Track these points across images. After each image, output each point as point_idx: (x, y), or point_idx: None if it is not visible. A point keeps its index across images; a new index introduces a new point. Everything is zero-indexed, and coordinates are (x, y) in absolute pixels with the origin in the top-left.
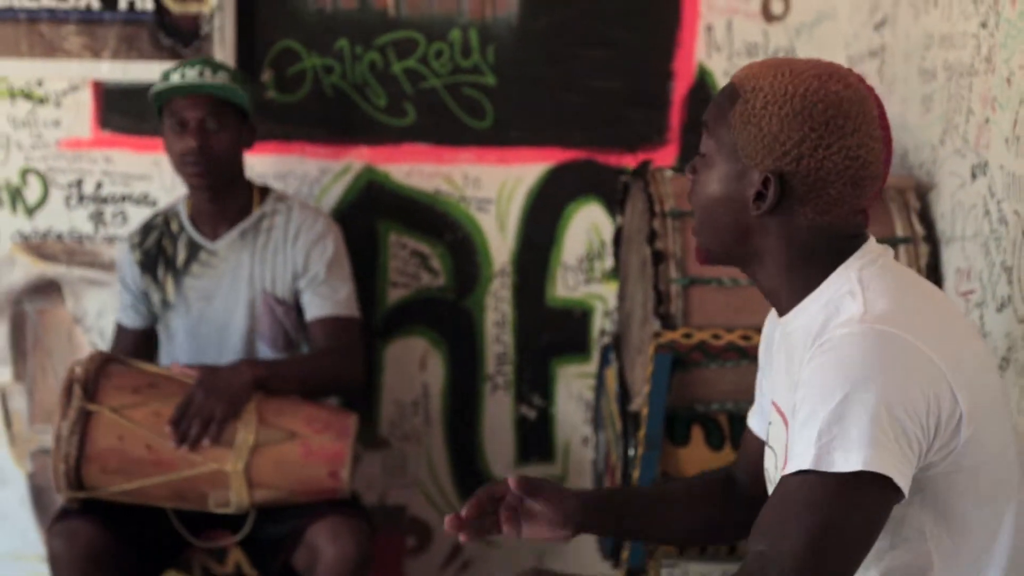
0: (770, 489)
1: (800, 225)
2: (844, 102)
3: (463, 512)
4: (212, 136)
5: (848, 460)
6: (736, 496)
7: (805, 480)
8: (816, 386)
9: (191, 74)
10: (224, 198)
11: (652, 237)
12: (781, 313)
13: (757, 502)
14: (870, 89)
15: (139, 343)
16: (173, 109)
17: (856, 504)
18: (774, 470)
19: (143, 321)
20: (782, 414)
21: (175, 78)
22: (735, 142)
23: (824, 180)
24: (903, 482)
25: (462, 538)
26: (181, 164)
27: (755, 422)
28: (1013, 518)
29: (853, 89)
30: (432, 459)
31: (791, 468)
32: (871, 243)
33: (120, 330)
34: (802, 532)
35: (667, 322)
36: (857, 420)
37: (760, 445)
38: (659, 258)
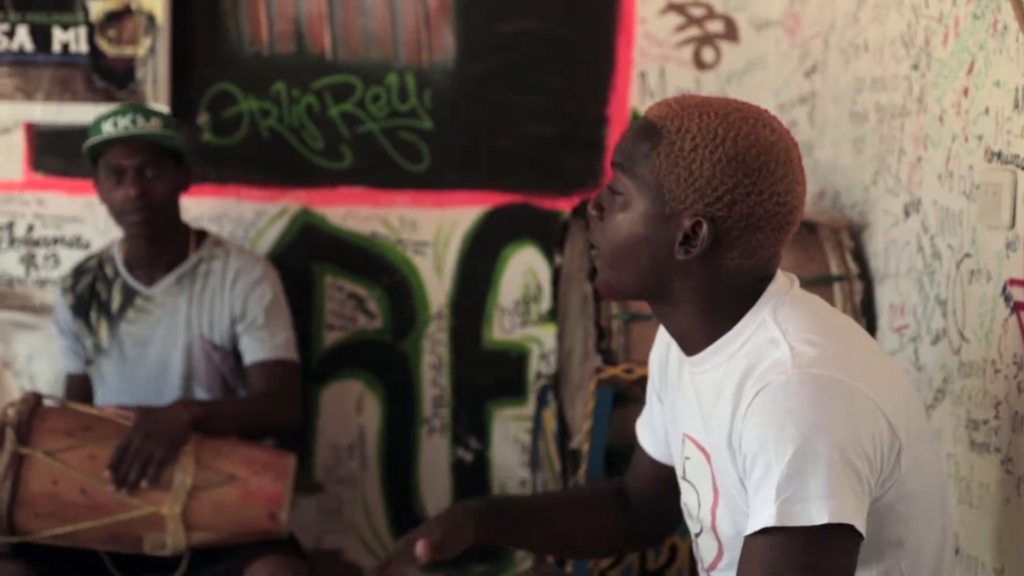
0: (688, 522)
1: (724, 269)
2: (773, 148)
3: None
4: (150, 183)
5: (810, 513)
6: (627, 509)
7: (769, 539)
8: (767, 442)
9: (124, 122)
10: (161, 243)
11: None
12: (689, 352)
13: (649, 518)
14: (790, 135)
15: (87, 387)
16: (108, 159)
17: (825, 556)
18: (696, 507)
19: (84, 365)
20: (704, 451)
21: (108, 128)
22: (660, 184)
23: (754, 226)
24: (862, 527)
25: None
26: (120, 213)
27: (646, 439)
28: (953, 538)
29: (779, 135)
30: (368, 503)
31: (753, 528)
32: (777, 279)
33: (70, 379)
34: None
35: (608, 357)
36: (813, 472)
37: (651, 462)
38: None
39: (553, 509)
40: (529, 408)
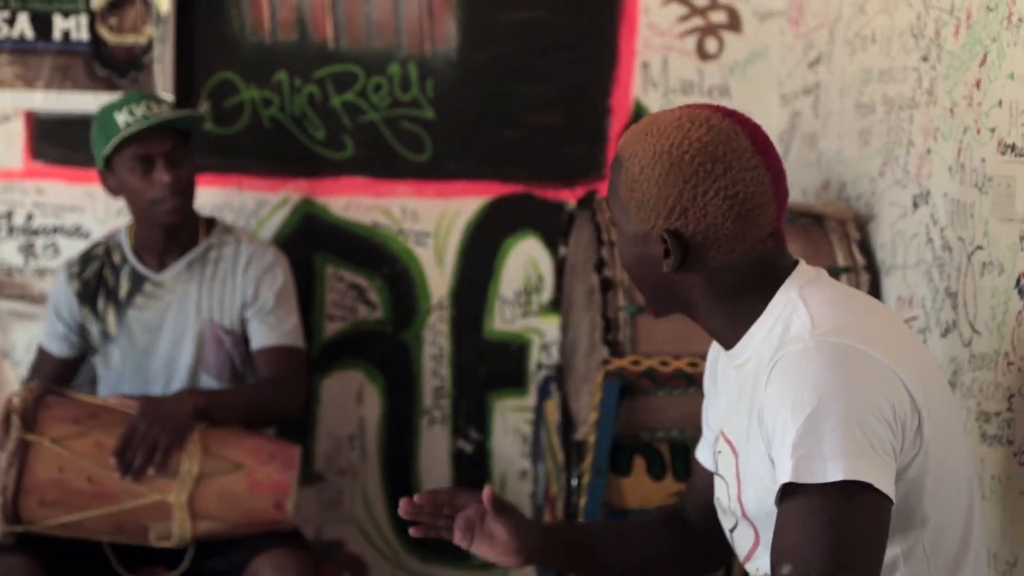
0: (722, 519)
1: (713, 269)
2: (708, 146)
3: (415, 498)
4: (180, 168)
5: (826, 471)
6: (687, 532)
7: (790, 498)
8: (784, 407)
9: (140, 111)
10: (175, 231)
11: (600, 265)
12: (728, 348)
13: (708, 537)
14: (739, 121)
15: (62, 372)
16: (134, 150)
17: (846, 515)
18: (727, 499)
19: (71, 351)
20: (731, 444)
21: (123, 119)
22: (627, 208)
23: (714, 225)
24: (887, 487)
25: (412, 531)
26: (153, 203)
27: (703, 455)
28: (981, 520)
29: (715, 130)
30: (368, 494)
31: (780, 493)
32: (803, 266)
33: (43, 356)
34: (823, 548)
35: (615, 350)
36: (829, 433)
37: (709, 478)
38: (607, 286)
39: (613, 535)
40: (530, 399)
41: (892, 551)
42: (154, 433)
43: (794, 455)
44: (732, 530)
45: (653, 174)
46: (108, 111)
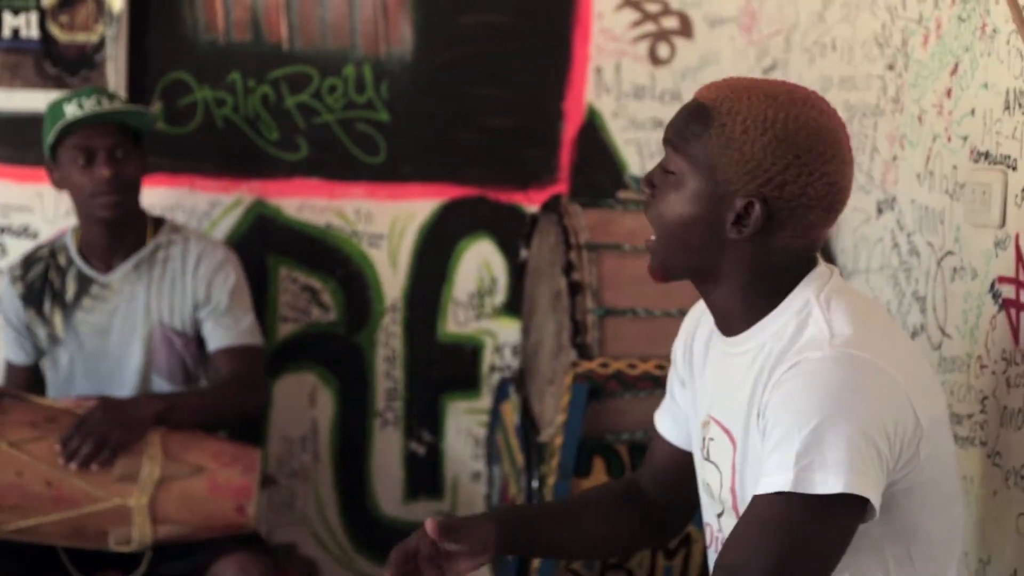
0: (703, 501)
1: (773, 247)
2: (823, 129)
3: None
4: (122, 164)
5: (827, 483)
6: (644, 503)
7: (781, 500)
8: (791, 410)
9: (89, 103)
10: (120, 229)
11: (569, 268)
12: (728, 332)
13: (663, 507)
14: (838, 116)
15: (31, 380)
16: (77, 140)
17: (830, 524)
18: (717, 487)
19: (29, 357)
20: (729, 433)
21: (72, 109)
22: (713, 165)
23: (805, 206)
24: (877, 502)
25: None
26: (91, 196)
27: (666, 426)
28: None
29: (828, 116)
30: (320, 496)
31: (765, 488)
32: (821, 264)
33: (10, 368)
34: (775, 550)
35: (584, 352)
36: (834, 445)
37: (670, 449)
38: (576, 289)
39: (566, 514)
40: (483, 401)
41: (881, 559)
42: (105, 428)
43: (797, 464)
44: (719, 515)
45: (762, 139)
46: (59, 102)
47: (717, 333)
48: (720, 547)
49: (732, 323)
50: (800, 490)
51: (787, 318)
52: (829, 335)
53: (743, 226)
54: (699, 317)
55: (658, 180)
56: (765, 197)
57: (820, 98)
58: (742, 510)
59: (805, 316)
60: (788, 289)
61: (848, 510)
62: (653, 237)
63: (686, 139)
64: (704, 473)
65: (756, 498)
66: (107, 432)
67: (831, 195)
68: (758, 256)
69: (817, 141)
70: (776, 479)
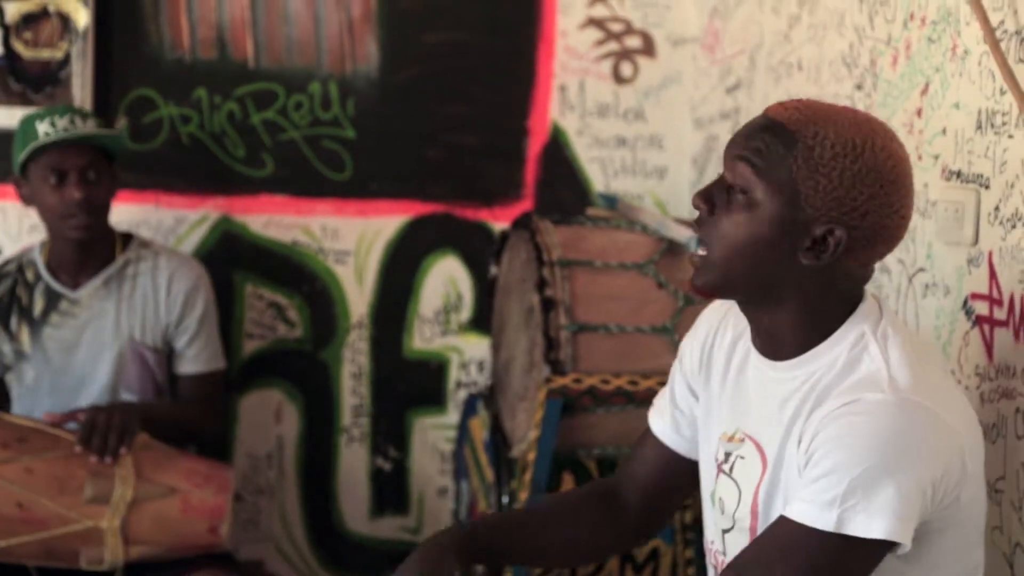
0: (708, 514)
1: (838, 275)
2: (904, 162)
3: None
4: (93, 186)
5: (870, 527)
6: (618, 508)
7: (813, 535)
8: (844, 446)
9: (62, 123)
10: (90, 246)
11: (542, 285)
12: (774, 356)
13: (640, 512)
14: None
15: (4, 395)
16: (48, 160)
17: (859, 565)
18: (734, 504)
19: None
20: (763, 453)
21: (44, 128)
22: (796, 189)
23: (879, 236)
24: (909, 542)
25: None
26: (62, 217)
27: (662, 427)
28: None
29: (902, 147)
30: (286, 513)
31: (797, 516)
32: (869, 295)
33: None
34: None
35: (557, 368)
36: (884, 491)
37: (664, 454)
38: (549, 305)
39: (534, 522)
40: (449, 417)
41: None
42: (116, 420)
43: (842, 504)
44: (726, 531)
45: (852, 167)
46: (31, 119)
47: (754, 352)
48: (718, 563)
49: (781, 347)
50: (839, 531)
51: (841, 349)
52: (887, 376)
53: (819, 253)
54: (718, 323)
55: (719, 197)
56: (847, 225)
57: (891, 128)
58: (760, 530)
59: (860, 351)
60: (842, 318)
61: (878, 551)
62: (703, 253)
63: (767, 159)
64: (718, 487)
65: (784, 520)
66: (119, 423)
67: (900, 227)
68: (822, 283)
69: (900, 174)
70: (812, 512)
